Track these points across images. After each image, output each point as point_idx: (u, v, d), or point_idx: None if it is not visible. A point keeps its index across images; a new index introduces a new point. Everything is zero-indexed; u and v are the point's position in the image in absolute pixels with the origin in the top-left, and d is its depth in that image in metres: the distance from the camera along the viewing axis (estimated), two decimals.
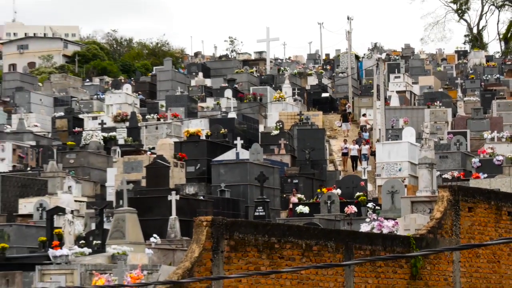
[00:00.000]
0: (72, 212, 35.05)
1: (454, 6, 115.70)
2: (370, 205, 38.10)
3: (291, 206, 41.23)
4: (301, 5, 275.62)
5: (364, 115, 64.91)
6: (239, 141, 46.38)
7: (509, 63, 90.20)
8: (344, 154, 54.98)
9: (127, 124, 59.19)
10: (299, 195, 42.37)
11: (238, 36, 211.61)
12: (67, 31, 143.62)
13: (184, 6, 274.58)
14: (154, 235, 31.56)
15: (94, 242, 30.98)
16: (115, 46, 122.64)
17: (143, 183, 41.52)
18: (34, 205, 40.22)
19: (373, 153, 51.76)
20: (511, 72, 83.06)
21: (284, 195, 43.71)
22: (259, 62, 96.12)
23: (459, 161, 45.46)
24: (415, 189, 38.77)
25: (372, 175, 49.27)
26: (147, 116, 62.18)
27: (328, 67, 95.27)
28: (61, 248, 28.85)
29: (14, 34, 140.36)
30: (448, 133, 54.30)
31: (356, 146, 53.72)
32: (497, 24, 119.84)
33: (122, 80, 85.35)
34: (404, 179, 43.05)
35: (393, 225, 26.26)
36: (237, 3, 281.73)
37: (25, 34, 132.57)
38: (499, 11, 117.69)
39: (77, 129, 61.93)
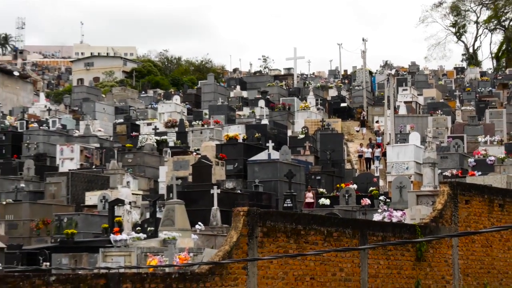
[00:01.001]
0: (130, 203, 35.10)
1: (453, 30, 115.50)
2: (381, 198, 38.02)
3: (306, 200, 40.85)
4: (324, 28, 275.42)
5: (377, 122, 64.87)
6: (270, 144, 46.36)
7: (500, 78, 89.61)
8: (360, 156, 55.00)
9: (176, 129, 59.32)
10: (321, 189, 42.33)
11: (270, 55, 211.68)
12: (126, 51, 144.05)
13: (224, 30, 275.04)
14: (199, 223, 31.60)
15: (148, 228, 31.03)
16: (166, 63, 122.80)
17: (190, 179, 41.62)
18: (98, 197, 40.39)
19: (384, 154, 51.71)
20: (501, 85, 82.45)
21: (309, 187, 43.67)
22: (287, 77, 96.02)
23: (457, 161, 45.31)
24: (420, 185, 38.63)
25: (383, 172, 49.18)
26: (193, 123, 62.25)
27: (346, 81, 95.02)
28: (120, 234, 28.91)
29: (82, 53, 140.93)
30: (448, 137, 54.09)
31: (370, 149, 53.80)
32: (490, 44, 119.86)
33: (172, 92, 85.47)
34: (411, 176, 42.95)
35: (401, 215, 26.17)
36: (269, 27, 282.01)
37: (91, 53, 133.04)
38: (492, 33, 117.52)
39: (134, 133, 62.18)
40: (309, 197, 40.18)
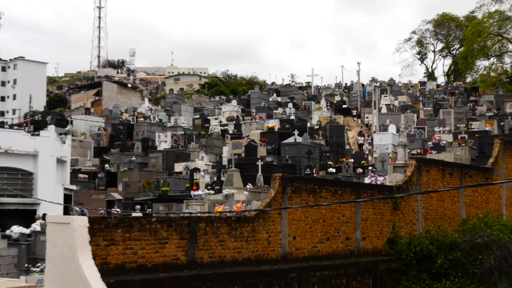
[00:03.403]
0: (203, 170, 35.33)
1: (418, 56, 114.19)
2: (370, 168, 37.89)
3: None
4: (331, 55, 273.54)
5: (367, 117, 64.70)
6: (296, 132, 46.26)
7: (449, 88, 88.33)
8: (358, 141, 55.03)
9: (234, 122, 59.44)
10: (329, 162, 42.21)
11: (296, 73, 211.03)
12: (200, 70, 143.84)
13: (266, 56, 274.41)
14: (249, 183, 31.66)
15: (216, 187, 31.17)
16: (227, 79, 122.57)
17: (243, 155, 41.71)
18: (183, 167, 40.63)
19: (371, 139, 51.58)
20: (450, 93, 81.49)
21: (322, 162, 43.46)
22: (307, 88, 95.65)
23: (420, 143, 44.92)
24: (395, 159, 38.39)
25: (371, 151, 48.94)
26: (245, 118, 62.29)
27: (346, 90, 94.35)
28: (197, 190, 29.10)
29: (172, 72, 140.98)
30: (414, 128, 53.69)
31: (362, 138, 54.04)
32: (443, 66, 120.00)
33: (231, 98, 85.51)
34: (389, 153, 42.68)
35: (383, 179, 26.09)
36: (296, 54, 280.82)
37: (178, 72, 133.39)
38: (444, 59, 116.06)
39: (206, 125, 62.45)
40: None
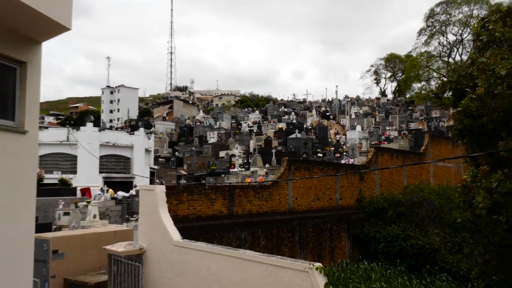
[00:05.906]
0: (237, 156, 35.26)
1: (375, 81, 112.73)
2: (344, 153, 37.57)
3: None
4: (318, 81, 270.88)
5: (342, 121, 64.03)
6: (297, 131, 46.00)
7: (395, 102, 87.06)
8: (336, 138, 54.72)
9: (257, 125, 59.24)
10: (318, 150, 41.92)
11: (296, 93, 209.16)
12: (235, 92, 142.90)
13: (277, 81, 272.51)
14: (267, 164, 31.60)
15: (246, 166, 31.13)
16: (252, 97, 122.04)
17: (263, 146, 41.57)
18: (225, 153, 40.62)
19: (345, 135, 51.03)
20: (396, 105, 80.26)
21: (313, 150, 43.11)
22: (303, 102, 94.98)
23: (377, 137, 44.46)
24: (361, 148, 38.01)
25: (345, 142, 48.53)
26: (264, 122, 62.05)
27: (329, 103, 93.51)
28: (234, 168, 29.07)
29: (217, 93, 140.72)
30: (373, 127, 53.16)
31: (338, 135, 53.46)
32: (391, 87, 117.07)
33: (255, 109, 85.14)
34: (357, 144, 42.28)
35: (353, 160, 25.80)
36: (296, 81, 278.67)
37: (221, 93, 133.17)
38: (392, 82, 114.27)
39: (239, 127, 62.26)
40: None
